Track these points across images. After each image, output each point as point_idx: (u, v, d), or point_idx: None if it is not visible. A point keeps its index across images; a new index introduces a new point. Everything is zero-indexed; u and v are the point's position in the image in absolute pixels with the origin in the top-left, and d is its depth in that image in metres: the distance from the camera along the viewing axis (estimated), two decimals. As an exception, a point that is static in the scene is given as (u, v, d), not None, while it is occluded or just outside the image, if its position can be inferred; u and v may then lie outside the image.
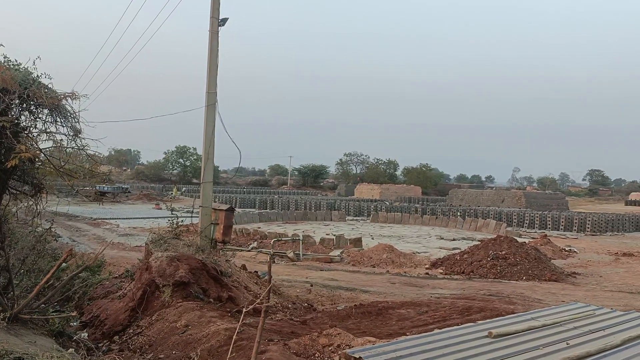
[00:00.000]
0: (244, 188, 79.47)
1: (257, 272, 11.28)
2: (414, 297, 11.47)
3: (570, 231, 34.08)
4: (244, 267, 11.20)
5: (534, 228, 35.56)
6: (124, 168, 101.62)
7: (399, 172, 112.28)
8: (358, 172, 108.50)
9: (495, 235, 18.97)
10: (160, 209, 41.21)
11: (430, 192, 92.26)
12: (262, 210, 41.19)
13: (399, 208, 42.89)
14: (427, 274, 15.74)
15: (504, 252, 16.01)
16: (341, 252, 18.69)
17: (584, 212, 41.59)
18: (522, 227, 36.20)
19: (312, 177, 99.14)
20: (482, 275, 15.16)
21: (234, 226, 24.50)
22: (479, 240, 23.28)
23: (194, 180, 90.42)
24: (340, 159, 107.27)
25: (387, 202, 55.46)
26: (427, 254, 19.61)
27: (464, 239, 26.27)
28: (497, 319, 5.76)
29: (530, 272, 15.15)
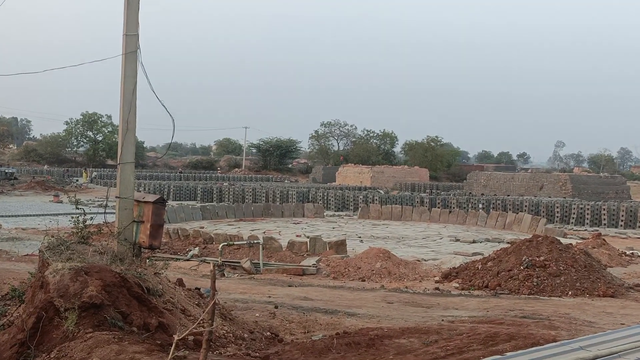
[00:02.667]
0: (180, 172, 79.01)
1: (199, 289, 11.25)
2: (418, 322, 11.59)
3: (634, 228, 34.85)
4: (180, 282, 11.16)
5: (583, 225, 36.28)
6: (8, 145, 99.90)
7: (397, 149, 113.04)
8: (341, 149, 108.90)
9: (530, 235, 19.27)
10: (61, 202, 40.73)
11: (441, 176, 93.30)
12: (207, 204, 41.06)
13: (398, 199, 43.22)
14: (436, 289, 15.92)
15: (542, 258, 16.29)
16: (317, 261, 18.77)
17: (651, 203, 42.53)
18: (568, 223, 36.89)
19: (276, 156, 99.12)
20: (512, 290, 15.41)
21: (166, 226, 24.41)
22: (508, 242, 23.61)
23: (109, 162, 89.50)
24: (316, 131, 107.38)
25: (381, 191, 55.86)
26: (437, 261, 19.84)
27: (487, 240, 26.65)
28: (533, 349, 5.86)
29: (578, 284, 15.46)
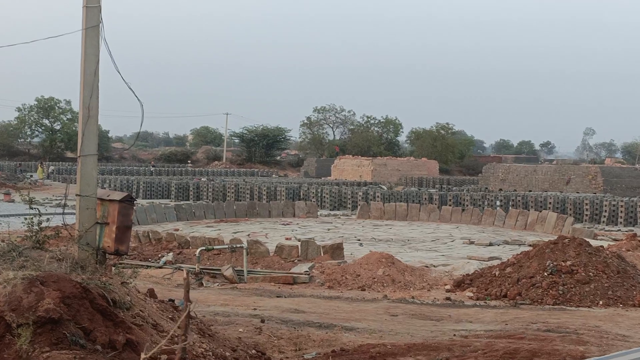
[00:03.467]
0: (151, 166, 78.94)
1: (173, 300, 11.26)
2: (427, 337, 11.63)
3: (673, 228, 34.93)
4: (152, 293, 11.15)
5: (616, 224, 36.40)
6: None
7: (402, 138, 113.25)
8: (337, 138, 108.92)
9: (555, 237, 19.33)
10: (13, 201, 40.61)
11: (453, 169, 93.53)
12: (182, 202, 41.02)
13: (404, 195, 43.29)
14: (448, 299, 15.97)
15: (569, 263, 16.35)
16: (310, 268, 18.79)
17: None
18: (598, 222, 37.02)
19: (262, 146, 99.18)
20: (534, 300, 15.47)
21: (134, 228, 24.33)
22: (530, 245, 23.66)
23: (68, 154, 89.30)
24: (309, 117, 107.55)
25: (383, 187, 55.92)
26: (448, 267, 19.90)
27: (506, 243, 26.73)
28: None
29: (610, 293, 15.52)
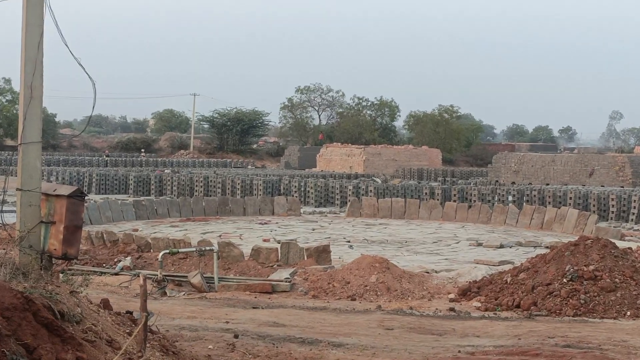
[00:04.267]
0: (106, 155, 78.69)
1: (131, 313, 11.23)
2: (427, 354, 11.66)
3: None
4: (106, 304, 11.13)
5: (646, 223, 36.52)
6: None
7: (399, 123, 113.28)
8: (323, 123, 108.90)
9: (576, 237, 19.40)
10: (-57, 197, 40.37)
11: (458, 158, 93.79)
12: (142, 198, 40.90)
13: (401, 190, 43.37)
14: (451, 309, 16.01)
15: (592, 268, 16.42)
16: (292, 274, 18.80)
17: None
18: (626, 221, 37.16)
19: (236, 133, 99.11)
20: (552, 311, 15.53)
21: (86, 228, 24.20)
22: (547, 247, 23.74)
23: (8, 142, 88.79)
24: (290, 99, 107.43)
25: (377, 180, 55.98)
26: (453, 273, 19.94)
27: (519, 244, 26.83)
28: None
29: (639, 302, 15.60)
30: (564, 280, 16.30)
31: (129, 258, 20.64)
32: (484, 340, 12.97)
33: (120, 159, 76.17)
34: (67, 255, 10.77)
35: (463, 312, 15.84)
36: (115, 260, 20.76)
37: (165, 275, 18.33)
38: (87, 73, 10.75)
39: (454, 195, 41.60)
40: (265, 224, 32.64)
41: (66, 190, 10.87)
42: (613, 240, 18.60)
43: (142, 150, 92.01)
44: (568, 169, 59.57)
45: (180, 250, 20.13)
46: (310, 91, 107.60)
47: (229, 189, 44.42)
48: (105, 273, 19.30)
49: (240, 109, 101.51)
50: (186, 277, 18.52)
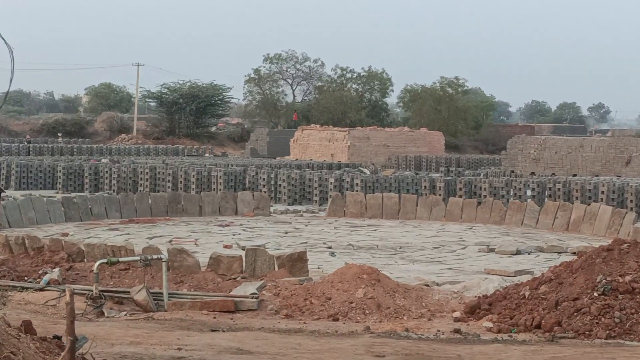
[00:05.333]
0: (27, 141, 78.33)
1: (59, 338, 11.16)
2: (427, 387, 11.64)
3: None
4: (28, 327, 11.06)
5: (696, 222, 36.75)
6: None
7: (392, 100, 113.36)
8: (298, 100, 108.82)
9: (610, 241, 19.44)
10: None
11: (465, 143, 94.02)
12: (74, 194, 40.67)
13: (394, 182, 43.35)
14: (457, 331, 16.00)
15: (629, 279, 16.44)
16: (260, 288, 18.75)
17: None
18: (671, 219, 37.34)
19: (190, 113, 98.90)
20: (580, 332, 15.54)
21: (3, 231, 23.90)
22: (574, 253, 23.77)
23: None
24: (257, 70, 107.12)
25: (365, 170, 55.87)
26: (458, 286, 19.94)
27: (540, 250, 26.87)
28: None
29: (687, 321, 15.64)
30: (595, 294, 16.33)
31: (56, 270, 20.51)
32: (497, 369, 12.98)
33: (45, 145, 75.56)
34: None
35: (471, 334, 15.84)
36: (40, 272, 20.63)
37: (103, 291, 18.23)
38: (2, 39, 10.65)
39: (460, 189, 41.67)
40: (227, 226, 32.60)
41: (-24, 186, 10.77)
42: (654, 245, 18.65)
43: (59, 134, 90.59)
44: (600, 156, 59.78)
45: (120, 259, 20.04)
46: (282, 60, 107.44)
47: (181, 182, 44.30)
48: (27, 288, 19.15)
49: (195, 82, 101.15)
50: (128, 292, 18.43)
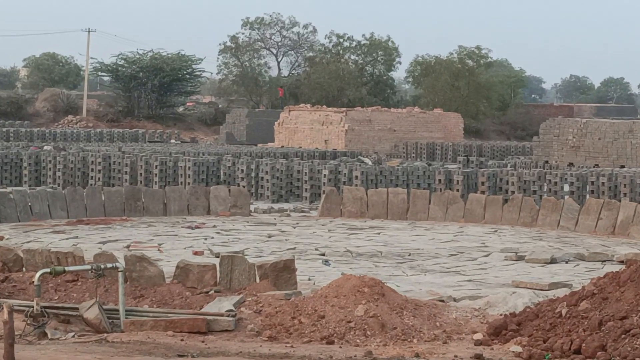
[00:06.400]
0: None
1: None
2: None
3: None
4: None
5: None
6: None
7: (400, 74, 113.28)
8: (284, 74, 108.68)
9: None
10: None
11: (488, 128, 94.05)
12: (9, 189, 40.70)
13: (402, 175, 43.37)
14: (478, 357, 16.06)
15: (689, 293, 16.56)
16: (237, 304, 18.81)
17: None
18: None
19: (153, 90, 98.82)
20: (628, 358, 15.63)
21: None
22: (621, 262, 23.84)
23: None
24: (234, 37, 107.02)
25: (367, 160, 55.87)
26: (480, 302, 19.99)
27: (579, 258, 26.92)
28: None
29: None
30: (647, 312, 16.46)
31: (-11, 281, 20.62)
32: (527, 403, 13.07)
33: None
34: None
35: (495, 360, 15.94)
36: (-31, 284, 20.76)
37: (45, 307, 18.26)
38: None
39: (482, 184, 41.68)
40: (197, 227, 32.63)
41: None
42: None
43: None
44: (654, 143, 59.90)
45: (67, 268, 20.08)
46: (264, 25, 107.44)
47: (141, 174, 44.31)
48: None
49: (158, 52, 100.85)
50: (77, 309, 18.46)
